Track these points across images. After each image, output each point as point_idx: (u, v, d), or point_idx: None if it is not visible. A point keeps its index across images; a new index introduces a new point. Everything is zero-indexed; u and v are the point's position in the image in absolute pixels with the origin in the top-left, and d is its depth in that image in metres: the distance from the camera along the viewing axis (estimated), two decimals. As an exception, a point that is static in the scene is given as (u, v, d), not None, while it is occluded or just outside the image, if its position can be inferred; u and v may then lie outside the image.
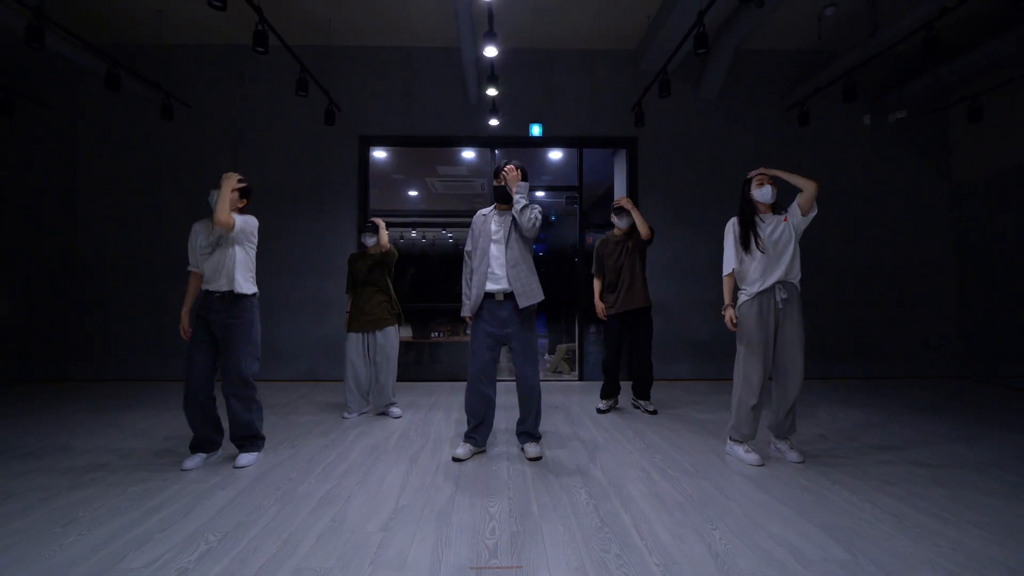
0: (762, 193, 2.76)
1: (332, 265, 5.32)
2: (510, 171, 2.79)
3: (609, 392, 4.00)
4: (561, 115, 5.47)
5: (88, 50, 4.33)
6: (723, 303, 2.87)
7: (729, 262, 2.84)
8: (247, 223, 2.71)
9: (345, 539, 1.91)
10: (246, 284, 2.70)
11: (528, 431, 2.91)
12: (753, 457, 2.75)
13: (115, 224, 5.30)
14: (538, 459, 2.80)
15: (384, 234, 3.70)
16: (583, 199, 5.57)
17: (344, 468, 2.69)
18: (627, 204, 3.73)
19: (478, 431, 2.88)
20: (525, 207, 2.76)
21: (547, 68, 5.48)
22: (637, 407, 4.05)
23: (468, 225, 2.99)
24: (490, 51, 3.50)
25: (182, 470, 2.63)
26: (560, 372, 6.00)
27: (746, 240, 2.76)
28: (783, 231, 2.73)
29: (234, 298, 2.66)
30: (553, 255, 6.84)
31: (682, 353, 5.39)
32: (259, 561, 1.75)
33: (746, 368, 2.76)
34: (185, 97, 5.25)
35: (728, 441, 2.90)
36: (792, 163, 5.49)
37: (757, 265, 2.74)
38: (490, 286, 2.83)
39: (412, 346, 6.09)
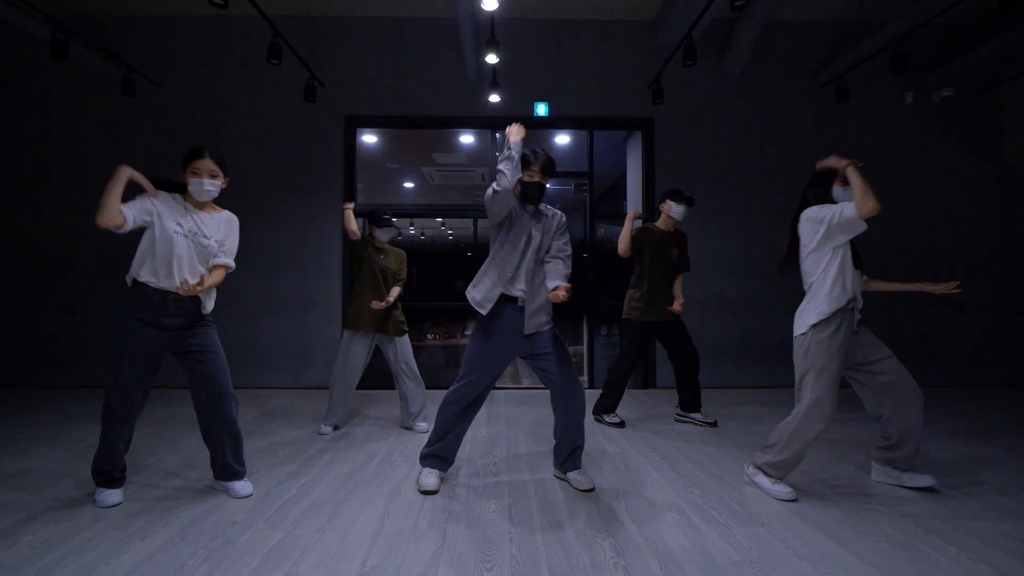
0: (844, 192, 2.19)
1: (316, 260, 4.79)
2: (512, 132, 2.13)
3: (617, 403, 3.48)
4: (569, 93, 4.92)
5: (37, 18, 3.80)
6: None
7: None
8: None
9: (284, 627, 1.38)
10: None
11: (576, 456, 2.38)
12: (784, 490, 2.21)
13: (85, 214, 4.77)
14: (591, 490, 2.31)
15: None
16: (594, 187, 5.03)
17: (305, 506, 2.16)
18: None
19: (445, 448, 2.33)
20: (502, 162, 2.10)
21: (553, 41, 4.93)
22: (684, 421, 3.49)
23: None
24: (489, 3, 2.95)
25: (101, 507, 2.10)
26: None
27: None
28: None
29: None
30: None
31: (704, 359, 4.83)
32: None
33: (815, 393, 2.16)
34: (154, 74, 4.72)
35: (752, 467, 2.36)
36: (826, 146, 4.93)
37: (836, 270, 2.15)
38: (512, 292, 2.24)
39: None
